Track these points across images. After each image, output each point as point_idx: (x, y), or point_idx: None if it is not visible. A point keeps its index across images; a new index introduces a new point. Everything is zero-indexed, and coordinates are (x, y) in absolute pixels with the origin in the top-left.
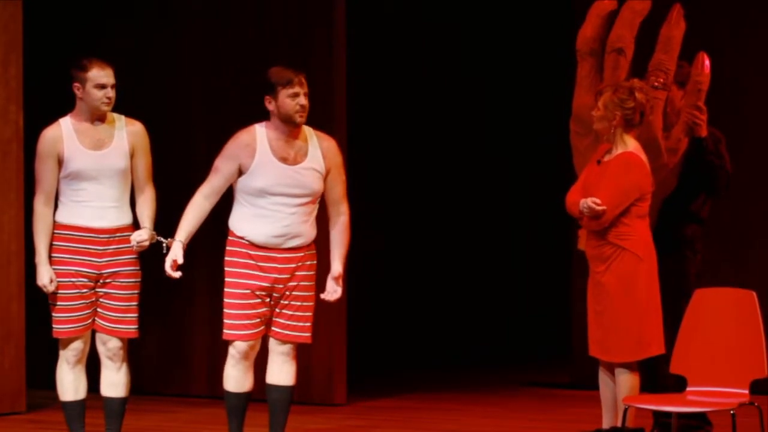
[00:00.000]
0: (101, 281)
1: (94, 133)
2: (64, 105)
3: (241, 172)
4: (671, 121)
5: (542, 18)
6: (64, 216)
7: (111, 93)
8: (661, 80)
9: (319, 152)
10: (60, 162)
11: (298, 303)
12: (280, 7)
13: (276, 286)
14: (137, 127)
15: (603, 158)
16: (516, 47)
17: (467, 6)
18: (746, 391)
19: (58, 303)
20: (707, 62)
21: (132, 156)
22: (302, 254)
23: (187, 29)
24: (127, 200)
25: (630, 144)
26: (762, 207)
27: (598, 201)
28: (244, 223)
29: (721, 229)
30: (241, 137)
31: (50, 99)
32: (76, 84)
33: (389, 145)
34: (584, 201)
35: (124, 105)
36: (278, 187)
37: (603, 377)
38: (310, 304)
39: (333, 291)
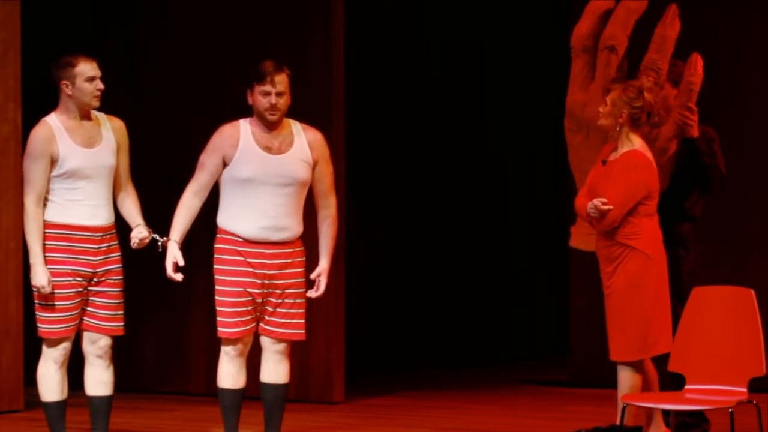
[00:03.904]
0: (95, 280)
1: (84, 131)
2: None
3: (225, 165)
4: (664, 120)
5: (542, 15)
6: (56, 215)
7: (101, 85)
8: (652, 80)
9: (305, 142)
10: (53, 161)
11: (292, 300)
12: (278, 5)
13: (266, 282)
14: (120, 124)
15: (608, 158)
16: (515, 44)
17: (467, 4)
18: (744, 390)
19: (54, 303)
20: (700, 63)
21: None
22: (290, 250)
23: (186, 28)
24: (112, 198)
25: (636, 142)
26: (761, 206)
27: (604, 200)
28: (232, 218)
29: (721, 229)
30: (225, 129)
31: (48, 97)
32: (65, 82)
33: (388, 143)
34: (591, 202)
35: (123, 104)
36: (263, 176)
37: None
38: (303, 300)
39: (316, 287)
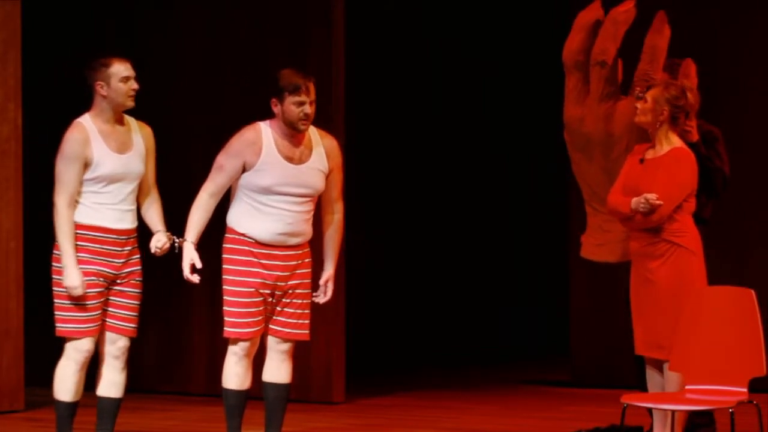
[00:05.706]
0: (117, 281)
1: (117, 135)
2: (63, 103)
3: (244, 169)
4: None
5: (542, 15)
6: (85, 217)
7: (135, 85)
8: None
9: (322, 151)
10: (87, 164)
11: (299, 301)
12: (278, 5)
13: (278, 284)
14: (148, 130)
15: (646, 156)
16: (515, 44)
17: (468, 4)
18: (745, 390)
19: (81, 303)
20: (694, 69)
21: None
22: (301, 252)
23: (186, 28)
24: (136, 202)
25: (676, 141)
26: (761, 206)
27: (655, 196)
28: (246, 220)
29: (721, 229)
30: (247, 135)
31: (49, 97)
32: (100, 83)
33: (388, 143)
34: (638, 198)
35: None
36: (283, 186)
37: (652, 375)
38: (308, 301)
39: (323, 293)
